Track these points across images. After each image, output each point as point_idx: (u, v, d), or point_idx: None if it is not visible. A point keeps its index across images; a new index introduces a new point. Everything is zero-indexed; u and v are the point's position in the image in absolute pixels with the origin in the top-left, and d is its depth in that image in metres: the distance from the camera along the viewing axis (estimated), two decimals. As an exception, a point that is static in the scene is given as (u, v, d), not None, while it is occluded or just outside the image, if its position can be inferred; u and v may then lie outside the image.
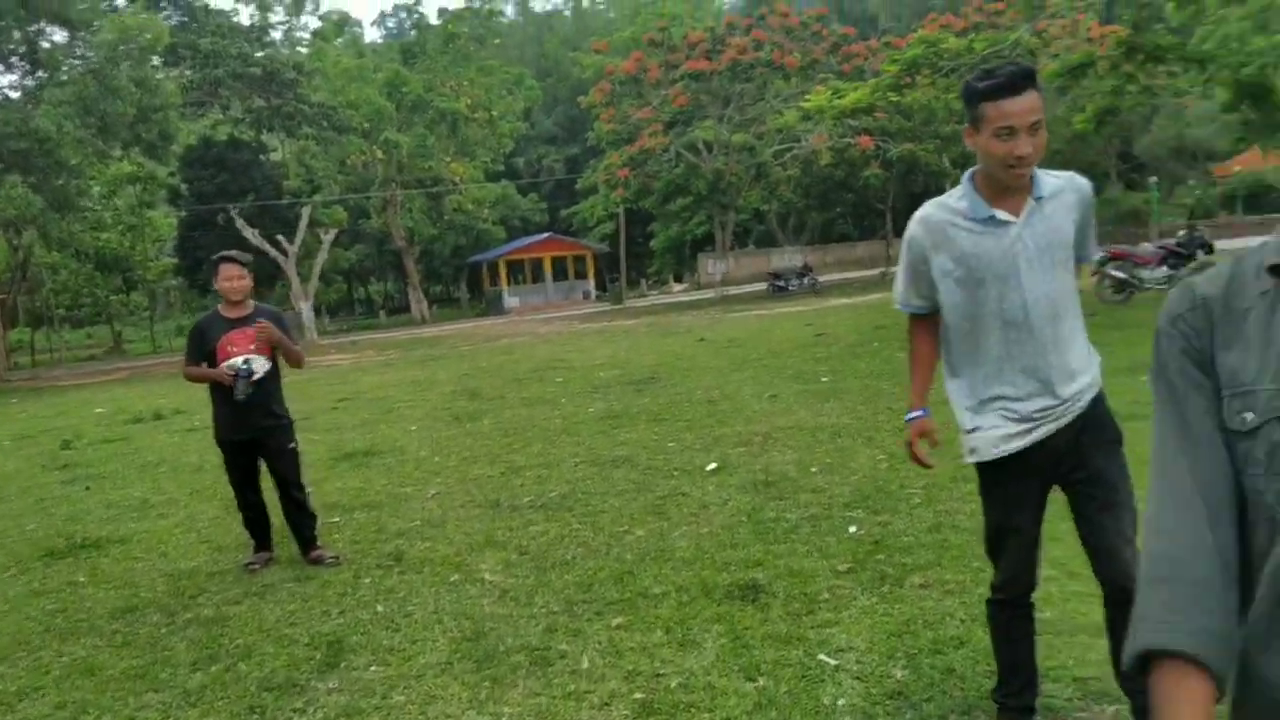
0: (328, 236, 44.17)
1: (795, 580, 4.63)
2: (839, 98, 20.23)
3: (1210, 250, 17.45)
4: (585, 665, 3.91)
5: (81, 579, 6.04)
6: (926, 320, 3.03)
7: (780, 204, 45.49)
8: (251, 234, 40.77)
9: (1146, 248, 18.54)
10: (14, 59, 35.83)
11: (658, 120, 36.25)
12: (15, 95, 36.14)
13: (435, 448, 9.54)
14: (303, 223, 42.97)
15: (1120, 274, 16.69)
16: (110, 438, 13.35)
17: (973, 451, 2.97)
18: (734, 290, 39.37)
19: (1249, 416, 1.19)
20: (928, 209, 2.91)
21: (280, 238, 41.98)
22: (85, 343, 56.00)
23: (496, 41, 55.11)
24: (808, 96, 23.48)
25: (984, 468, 3.00)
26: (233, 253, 5.94)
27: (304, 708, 3.81)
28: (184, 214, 46.01)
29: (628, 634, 4.19)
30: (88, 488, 9.39)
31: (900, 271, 3.03)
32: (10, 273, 38.53)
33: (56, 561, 6.53)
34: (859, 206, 52.47)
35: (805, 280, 37.46)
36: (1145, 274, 17.28)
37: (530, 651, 4.11)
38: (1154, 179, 41.55)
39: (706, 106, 36.76)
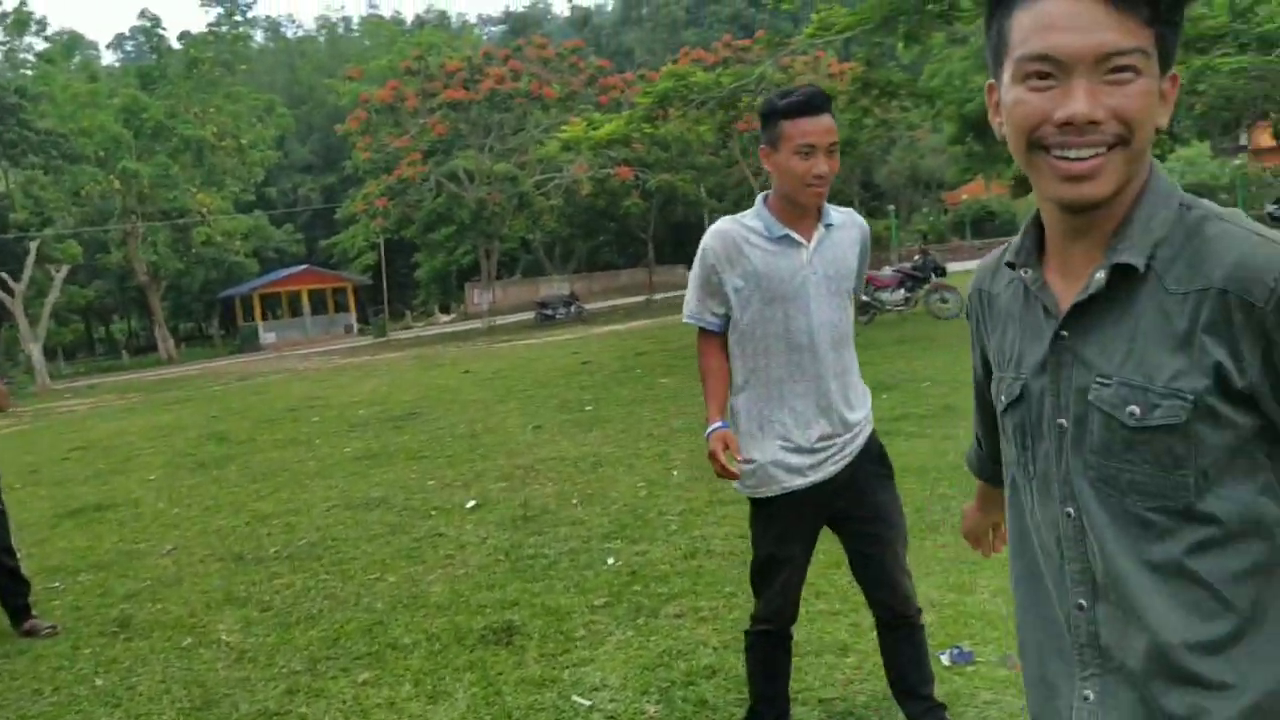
0: (60, 273, 40.82)
1: (551, 619, 4.56)
2: (594, 129, 20.47)
3: (943, 273, 18.74)
4: (327, 727, 3.69)
5: None
6: (717, 337, 2.97)
7: (545, 233, 45.72)
8: (-30, 272, 37.20)
9: (886, 271, 19.72)
10: None
11: (416, 149, 35.65)
12: None
13: (175, 499, 8.90)
14: (30, 258, 39.55)
15: (864, 297, 17.67)
16: None
17: (751, 484, 2.91)
18: (501, 320, 39.19)
19: (1002, 399, 1.38)
20: (722, 224, 2.88)
21: (4, 275, 38.47)
22: None
23: (244, 67, 52.78)
24: (564, 127, 23.66)
25: (759, 501, 2.95)
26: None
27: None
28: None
29: (374, 690, 3.99)
30: None
31: (693, 285, 2.96)
32: None
33: None
34: (622, 235, 53.42)
35: (572, 309, 37.77)
36: (885, 296, 18.38)
37: (268, 717, 3.84)
38: (892, 207, 44.46)
39: (467, 136, 36.46)
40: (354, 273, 52.64)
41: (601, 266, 58.30)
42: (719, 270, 2.85)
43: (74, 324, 52.97)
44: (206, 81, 45.73)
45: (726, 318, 2.91)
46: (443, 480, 8.15)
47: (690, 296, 2.98)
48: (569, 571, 5.25)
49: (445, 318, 50.46)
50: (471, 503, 7.12)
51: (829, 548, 5.06)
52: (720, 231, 2.87)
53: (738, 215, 2.92)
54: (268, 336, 47.11)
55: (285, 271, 50.83)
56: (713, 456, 2.84)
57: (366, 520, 6.99)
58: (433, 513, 6.99)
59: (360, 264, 53.30)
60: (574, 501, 6.84)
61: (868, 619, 4.09)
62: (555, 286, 49.00)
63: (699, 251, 2.93)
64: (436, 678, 4.03)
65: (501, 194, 36.67)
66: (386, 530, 6.62)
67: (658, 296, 46.03)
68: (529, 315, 40.21)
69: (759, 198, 2.88)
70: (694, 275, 2.96)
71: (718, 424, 2.93)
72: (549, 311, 37.82)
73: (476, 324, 40.02)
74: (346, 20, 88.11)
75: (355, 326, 50.07)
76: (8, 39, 52.57)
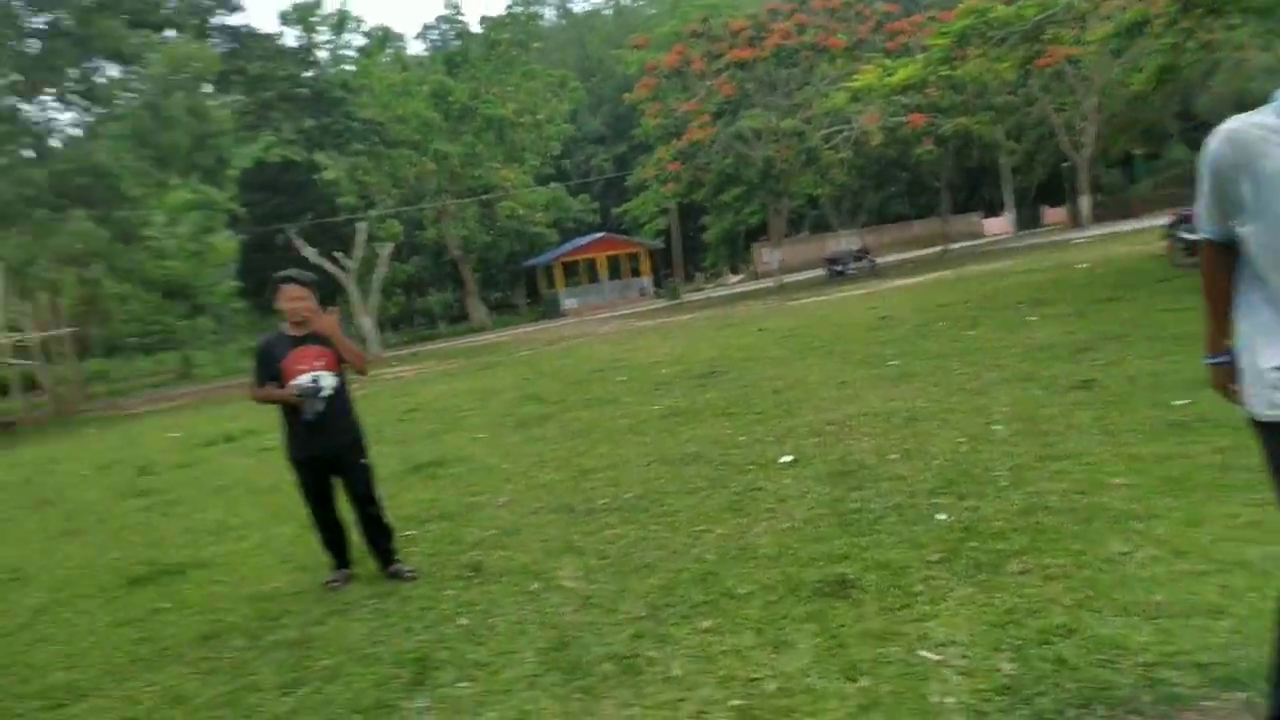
0: (385, 250, 44.60)
1: (886, 573, 4.48)
2: (889, 75, 19.85)
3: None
4: (676, 672, 3.80)
5: (165, 605, 6.06)
6: (1227, 251, 2.72)
7: (833, 188, 44.97)
8: (311, 253, 41.28)
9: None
10: (72, 96, 36.67)
11: (704, 112, 35.98)
12: (75, 132, 37.04)
13: (503, 455, 9.49)
14: (360, 238, 43.41)
15: (1192, 236, 16.20)
16: (184, 462, 13.52)
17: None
18: (791, 278, 39.07)
19: None
20: (1233, 123, 2.59)
21: (339, 254, 42.48)
22: (156, 369, 57.23)
23: (538, 45, 55.17)
24: (855, 77, 23.08)
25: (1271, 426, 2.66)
26: (292, 272, 5.90)
27: (394, 728, 3.75)
28: (244, 237, 46.79)
29: (717, 637, 4.08)
30: (164, 514, 9.50)
31: (1203, 194, 2.71)
32: (82, 305, 39.42)
33: (139, 589, 6.57)
34: (913, 185, 51.77)
35: (863, 263, 37.07)
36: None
37: (618, 660, 4.01)
38: (1215, 137, 40.35)
39: (753, 94, 36.40)
40: (646, 238, 54.04)
41: (892, 218, 56.80)
42: (1232, 175, 2.57)
43: (396, 297, 57.62)
44: (504, 62, 48.19)
45: (1237, 227, 2.64)
46: (754, 436, 8.21)
47: (1201, 207, 2.73)
48: (897, 526, 5.14)
49: (735, 278, 50.88)
50: (787, 458, 7.13)
51: (1181, 503, 4.71)
52: (1230, 132, 2.57)
53: (1247, 114, 2.60)
54: (569, 302, 49.33)
55: (583, 240, 52.93)
56: (1225, 390, 2.75)
57: (685, 474, 7.16)
58: (749, 467, 7.06)
59: (651, 229, 54.66)
60: (892, 457, 6.69)
61: (1239, 580, 3.78)
62: (844, 241, 48.25)
63: (1209, 158, 2.64)
64: (777, 627, 4.07)
65: (789, 150, 36.37)
66: (706, 484, 6.75)
67: (954, 246, 44.32)
68: (818, 272, 39.85)
69: (1278, 91, 2.54)
70: (1204, 184, 2.68)
71: (1224, 356, 2.76)
72: (839, 267, 37.30)
73: (767, 283, 40.07)
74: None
75: (650, 290, 51.43)
76: (332, 38, 57.56)
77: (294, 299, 5.71)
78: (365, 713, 3.94)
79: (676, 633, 4.20)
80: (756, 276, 47.72)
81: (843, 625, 3.98)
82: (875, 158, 41.91)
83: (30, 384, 33.93)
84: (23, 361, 32.20)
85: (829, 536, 5.15)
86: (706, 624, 4.23)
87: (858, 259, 37.48)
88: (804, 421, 8.47)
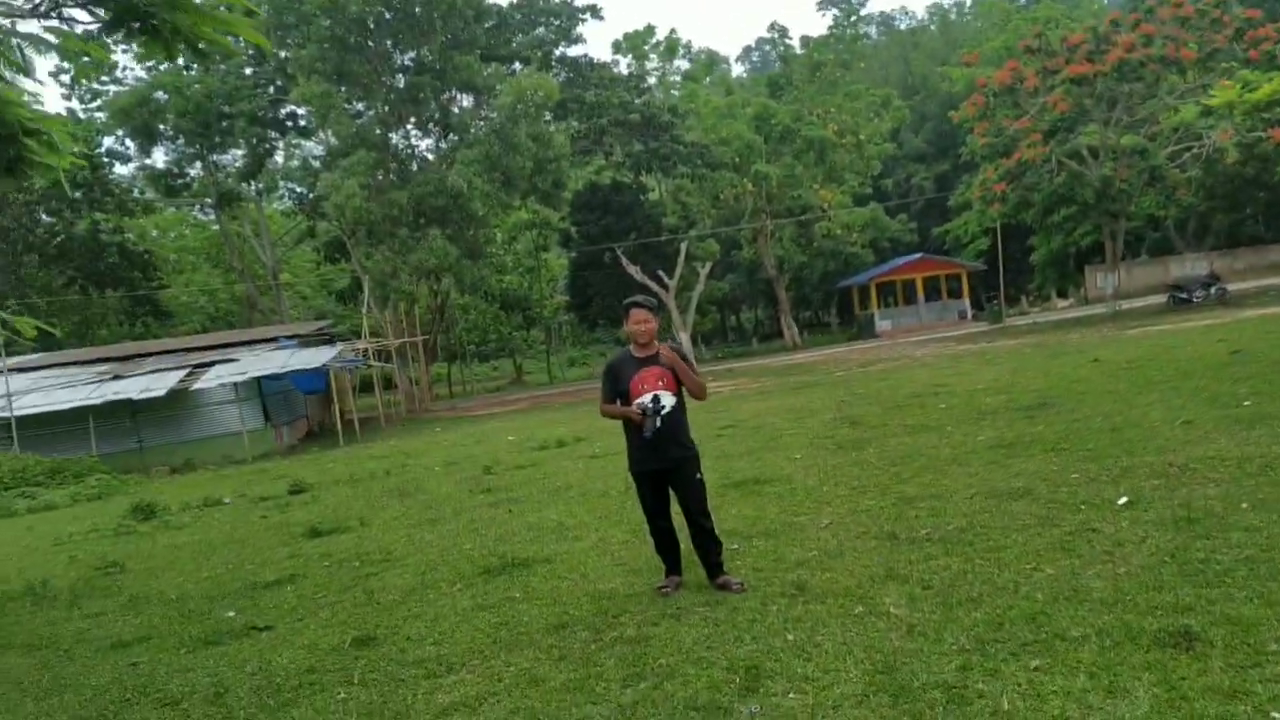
0: (703, 269, 46.02)
1: (1235, 629, 4.27)
2: (1250, 90, 18.26)
3: None
4: (1006, 706, 3.84)
5: (516, 595, 6.71)
6: None
7: (1178, 208, 41.70)
8: (634, 270, 43.31)
9: None
10: (430, 125, 40.49)
11: (1036, 130, 34.44)
12: (432, 158, 40.82)
13: (822, 477, 9.65)
14: (680, 257, 45.07)
15: None
16: (522, 464, 14.65)
17: None
18: (1127, 304, 36.58)
19: None
20: None
21: (660, 272, 44.29)
22: (491, 375, 61.95)
23: (861, 65, 54.96)
24: (1212, 92, 21.37)
25: None
26: (640, 298, 6.39)
27: (729, 729, 4.02)
28: (574, 255, 49.67)
29: (1048, 677, 4.06)
30: (510, 511, 10.39)
31: None
32: (431, 315, 43.35)
33: (494, 578, 7.29)
34: (1272, 206, 47.00)
35: (1212, 290, 34.17)
36: None
37: (946, 689, 4.08)
38: None
39: (1090, 111, 34.44)
40: (967, 259, 52.35)
41: (1245, 242, 51.75)
42: None
43: (711, 314, 59.14)
44: (828, 83, 48.38)
45: None
46: (1086, 474, 7.91)
47: None
48: (1249, 580, 4.86)
49: (1063, 302, 48.23)
50: (1123, 499, 6.84)
51: None
52: None
53: None
54: (883, 324, 48.65)
55: (900, 260, 52.04)
56: None
57: (1012, 510, 7.03)
58: (1081, 507, 6.83)
59: (972, 250, 52.92)
60: (1244, 505, 6.27)
61: None
62: (1190, 266, 44.62)
63: None
64: (1112, 673, 3.99)
65: (1129, 169, 34.14)
66: (1035, 521, 6.61)
67: (1322, 274, 39.83)
68: (1159, 299, 37.09)
69: None
70: None
71: None
72: (1184, 294, 34.57)
73: (1099, 309, 37.75)
74: (959, 4, 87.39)
75: (969, 312, 49.77)
76: (660, 64, 59.99)
77: (639, 322, 6.18)
78: (701, 711, 4.24)
79: (1005, 668, 4.21)
80: (1087, 302, 45.00)
81: (1185, 678, 3.86)
82: (1229, 176, 38.54)
83: (388, 384, 37.73)
84: (383, 364, 35.88)
85: (1171, 585, 4.94)
86: (1036, 663, 4.22)
87: (1205, 286, 34.57)
88: (1143, 462, 8.06)
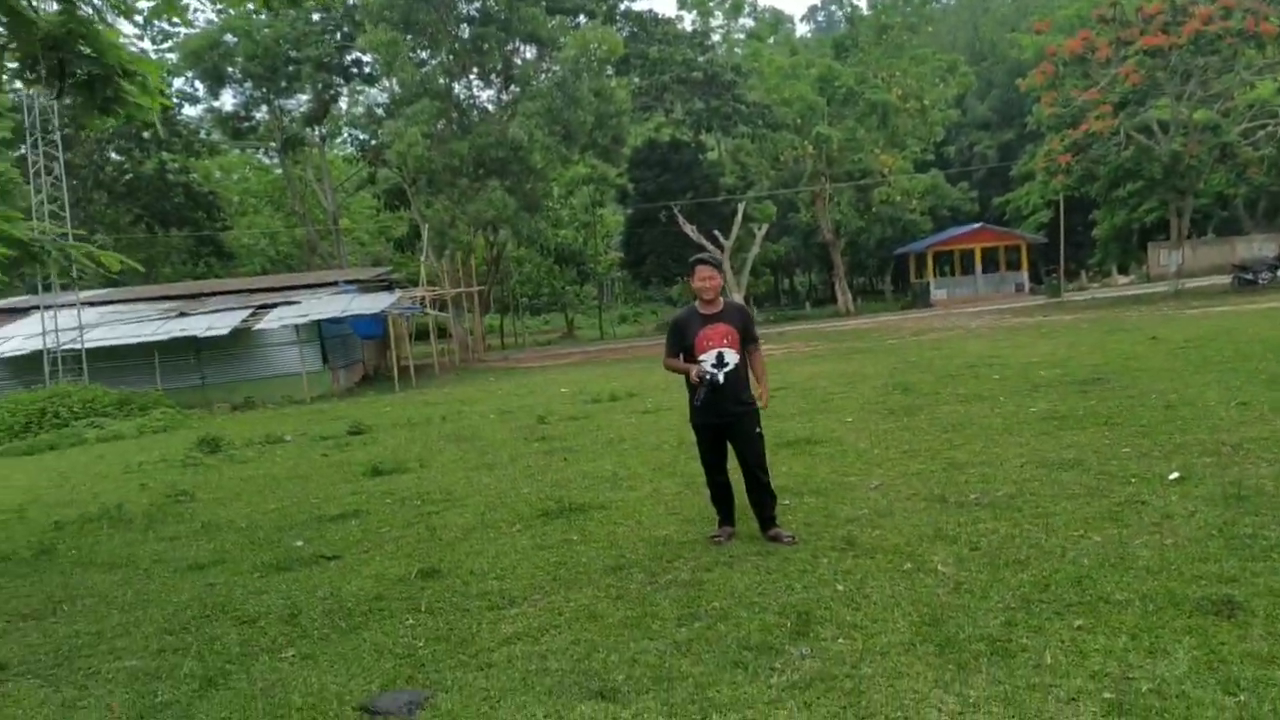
0: (760, 231, 45.89)
1: (1277, 600, 4.40)
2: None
3: None
4: (1048, 660, 4.01)
5: (574, 537, 6.97)
6: None
7: (1249, 187, 40.76)
8: (690, 229, 43.31)
9: None
10: (493, 76, 40.60)
11: (1106, 101, 33.81)
12: (493, 109, 40.98)
13: (873, 440, 9.80)
14: (737, 218, 44.98)
15: None
16: (575, 415, 14.93)
17: None
18: (1191, 283, 35.97)
19: None
20: None
21: (716, 232, 44.23)
22: (542, 328, 62.45)
23: (929, 28, 54.04)
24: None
25: None
26: (705, 255, 6.58)
27: (781, 668, 4.24)
28: (630, 211, 49.73)
29: (1090, 636, 4.22)
30: (565, 459, 10.66)
31: None
32: (487, 266, 43.73)
33: (551, 521, 7.56)
34: (1348, 187, 45.79)
35: (1278, 273, 33.49)
36: None
37: (990, 641, 4.26)
38: None
39: (1163, 84, 33.73)
40: (1027, 231, 51.65)
41: (1318, 224, 50.49)
42: None
43: (765, 276, 59.02)
44: (894, 46, 47.68)
45: None
46: (1138, 449, 7.98)
47: None
48: (1295, 556, 4.97)
49: (1124, 279, 47.47)
50: (1174, 474, 6.92)
51: None
52: None
53: None
54: (938, 293, 48.25)
55: (959, 229, 51.43)
56: None
57: (1061, 479, 7.15)
58: (1132, 480, 6.93)
59: (1033, 222, 52.15)
60: (1296, 485, 6.35)
61: None
62: (1258, 246, 43.71)
63: None
64: (1153, 635, 4.15)
65: (1200, 145, 33.45)
66: (1084, 491, 6.73)
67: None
68: (1223, 279, 36.42)
69: None
70: None
71: None
72: (1249, 275, 33.90)
73: (1161, 287, 37.16)
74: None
75: (1027, 285, 49.19)
76: (725, 22, 59.44)
77: (705, 278, 6.36)
78: (753, 650, 4.46)
79: (1049, 626, 4.38)
80: (1149, 279, 44.26)
81: (1224, 643, 4.00)
82: (1304, 155, 37.51)
83: (441, 333, 38.22)
84: (439, 312, 36.34)
85: (1216, 557, 5.06)
86: (1079, 622, 4.38)
87: (1272, 268, 33.88)
88: (1196, 439, 8.11)
